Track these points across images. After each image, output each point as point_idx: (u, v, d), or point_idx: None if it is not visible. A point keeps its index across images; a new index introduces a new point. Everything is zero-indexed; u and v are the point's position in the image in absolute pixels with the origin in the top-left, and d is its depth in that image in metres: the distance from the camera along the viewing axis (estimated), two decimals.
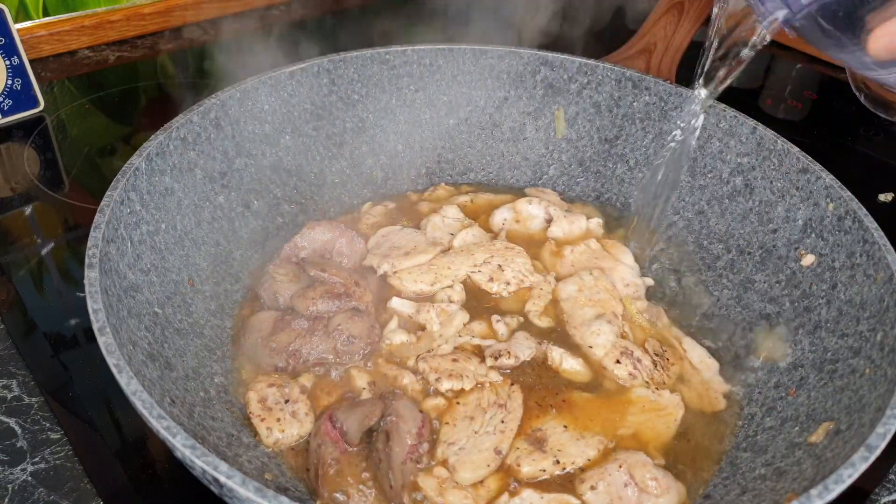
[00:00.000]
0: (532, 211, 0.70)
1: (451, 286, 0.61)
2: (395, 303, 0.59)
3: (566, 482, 0.48)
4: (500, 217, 0.70)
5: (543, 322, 0.59)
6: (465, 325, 0.58)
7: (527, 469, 0.48)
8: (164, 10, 1.06)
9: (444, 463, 0.48)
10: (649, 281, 0.65)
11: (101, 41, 1.02)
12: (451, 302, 0.60)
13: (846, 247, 0.55)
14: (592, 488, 0.47)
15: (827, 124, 0.97)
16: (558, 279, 0.63)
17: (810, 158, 0.61)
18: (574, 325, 0.59)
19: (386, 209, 0.71)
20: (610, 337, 0.57)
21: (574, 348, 0.57)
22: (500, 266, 0.63)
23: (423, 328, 0.58)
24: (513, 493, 0.47)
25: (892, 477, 0.53)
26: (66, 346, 0.58)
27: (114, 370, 0.40)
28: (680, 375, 0.56)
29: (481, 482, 0.47)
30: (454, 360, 0.54)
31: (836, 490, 0.37)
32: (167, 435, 0.37)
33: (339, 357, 0.54)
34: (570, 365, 0.55)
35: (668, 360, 0.57)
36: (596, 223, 0.69)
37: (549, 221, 0.69)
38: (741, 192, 0.65)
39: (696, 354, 0.58)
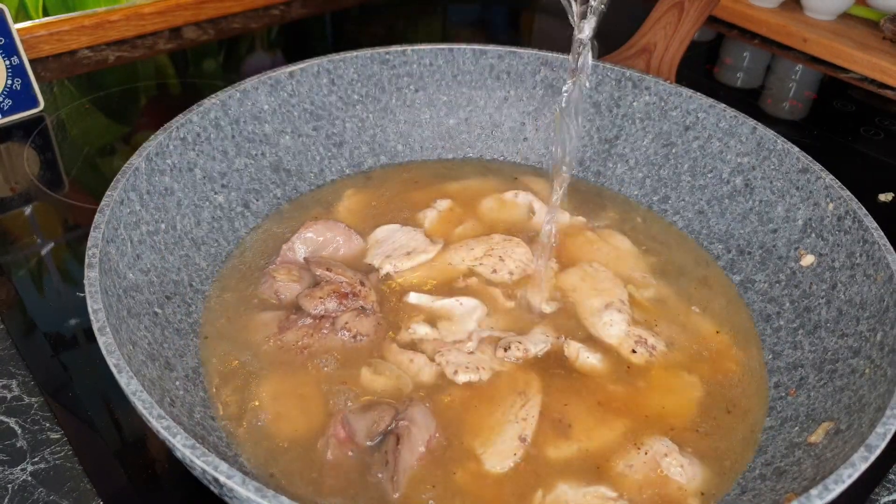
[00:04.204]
0: (517, 202, 0.71)
1: (464, 282, 0.62)
2: (413, 297, 0.60)
3: (592, 468, 0.48)
4: (486, 206, 0.71)
5: (551, 307, 0.60)
6: (485, 316, 0.58)
7: (552, 456, 0.48)
8: (164, 10, 1.06)
9: (472, 455, 0.48)
10: (651, 258, 0.65)
11: (101, 41, 1.02)
12: (469, 296, 0.60)
13: (846, 247, 0.55)
14: (619, 475, 0.47)
15: (827, 124, 0.97)
16: (560, 267, 0.63)
17: (810, 158, 0.61)
18: (584, 315, 0.59)
19: (381, 200, 0.71)
20: (622, 326, 0.57)
21: (589, 340, 0.57)
22: (500, 258, 0.63)
23: (441, 321, 0.58)
24: (547, 489, 0.46)
25: (892, 477, 0.53)
26: (66, 346, 0.58)
27: (114, 370, 0.40)
28: (695, 352, 0.57)
29: (513, 473, 0.47)
30: (470, 353, 0.55)
31: (836, 490, 0.37)
32: (167, 435, 0.37)
33: (348, 354, 0.54)
34: (587, 359, 0.55)
35: (677, 340, 0.58)
36: (579, 221, 0.69)
37: (533, 213, 0.70)
38: (741, 192, 0.65)
39: (705, 328, 0.59)
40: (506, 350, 0.55)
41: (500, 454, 0.48)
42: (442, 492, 0.46)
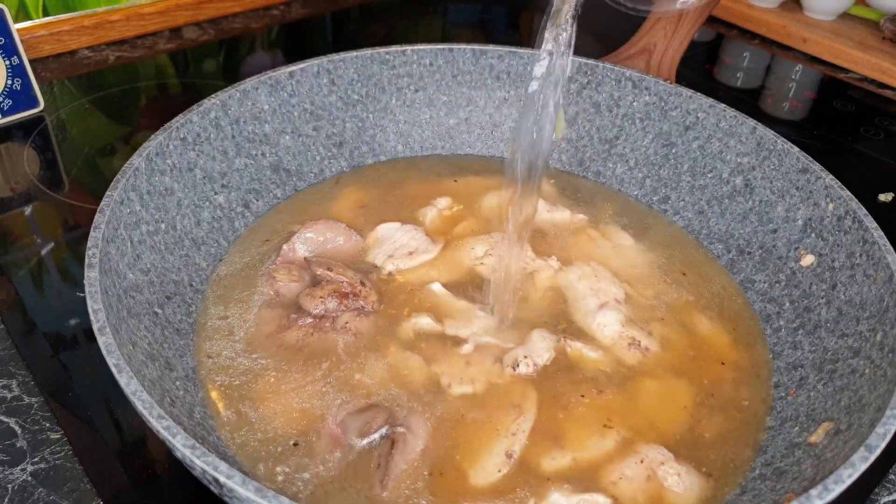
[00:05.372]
0: None
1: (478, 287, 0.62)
2: (436, 287, 0.60)
3: (586, 478, 0.48)
4: (487, 204, 0.71)
5: (548, 305, 0.60)
6: (493, 324, 0.58)
7: (546, 467, 0.48)
8: (164, 10, 1.06)
9: (457, 467, 0.48)
10: (651, 258, 0.65)
11: (101, 41, 1.02)
12: (484, 302, 0.60)
13: (846, 247, 0.55)
14: (613, 484, 0.47)
15: (827, 124, 0.97)
16: (562, 264, 0.63)
17: (810, 158, 0.61)
18: (580, 315, 0.59)
19: (381, 199, 0.71)
20: (616, 327, 0.57)
21: (586, 339, 0.57)
22: (501, 258, 0.63)
23: (449, 319, 0.58)
24: (539, 498, 0.46)
25: (892, 477, 0.53)
26: (66, 346, 0.58)
27: (114, 370, 0.40)
28: (693, 353, 0.57)
29: (501, 487, 0.47)
30: (467, 364, 0.54)
31: (836, 490, 0.37)
32: (167, 435, 0.37)
33: (347, 354, 0.55)
34: (589, 356, 0.55)
35: (674, 341, 0.57)
36: (580, 219, 0.69)
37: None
38: (741, 192, 0.65)
39: (704, 328, 0.59)
40: (514, 368, 0.54)
41: (485, 470, 0.48)
42: (427, 502, 0.46)
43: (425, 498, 0.46)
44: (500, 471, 0.48)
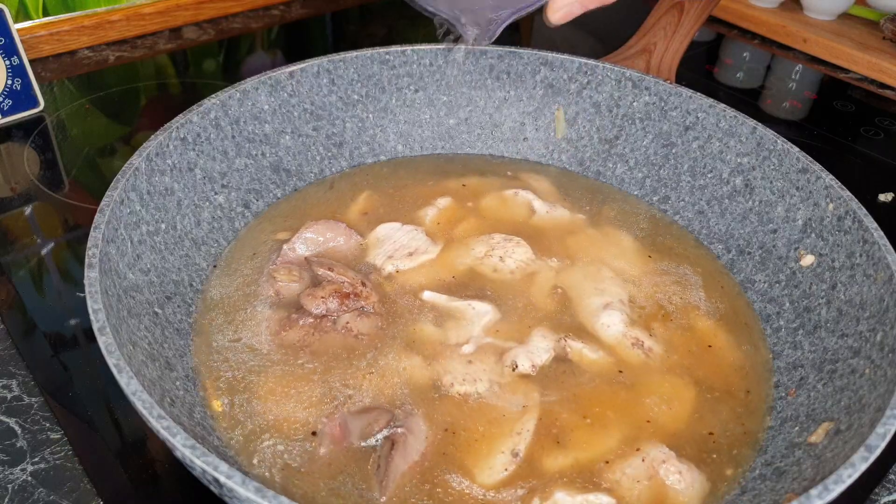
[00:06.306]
0: (517, 200, 0.71)
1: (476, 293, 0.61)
2: (428, 295, 0.59)
3: (589, 477, 0.48)
4: (487, 204, 0.71)
5: (549, 304, 0.60)
6: (493, 323, 0.58)
7: (549, 467, 0.48)
8: (164, 10, 1.06)
9: (462, 468, 0.48)
10: (651, 258, 0.65)
11: (101, 41, 1.02)
12: (481, 300, 0.59)
13: (846, 247, 0.55)
14: (616, 482, 0.47)
15: (827, 124, 0.97)
16: (563, 263, 0.63)
17: (810, 158, 0.61)
18: (583, 315, 0.59)
19: (381, 199, 0.71)
20: (620, 327, 0.57)
21: (588, 338, 0.57)
22: (501, 258, 0.63)
23: (449, 321, 0.58)
24: (543, 497, 0.46)
25: (892, 477, 0.53)
26: (66, 346, 0.58)
27: (114, 370, 0.40)
28: (694, 353, 0.57)
29: (506, 486, 0.47)
30: (469, 363, 0.54)
31: (836, 490, 0.37)
32: (167, 435, 0.37)
33: (348, 355, 0.55)
34: (589, 357, 0.55)
35: (675, 341, 0.57)
36: (580, 219, 0.69)
37: (533, 211, 0.70)
38: (741, 192, 0.65)
39: (704, 328, 0.59)
40: (514, 369, 0.54)
41: (491, 468, 0.48)
42: (434, 502, 0.46)
43: (429, 497, 0.46)
44: (506, 469, 0.48)
